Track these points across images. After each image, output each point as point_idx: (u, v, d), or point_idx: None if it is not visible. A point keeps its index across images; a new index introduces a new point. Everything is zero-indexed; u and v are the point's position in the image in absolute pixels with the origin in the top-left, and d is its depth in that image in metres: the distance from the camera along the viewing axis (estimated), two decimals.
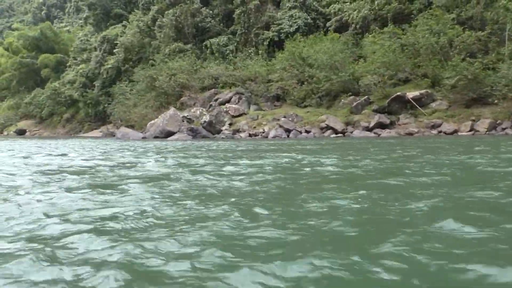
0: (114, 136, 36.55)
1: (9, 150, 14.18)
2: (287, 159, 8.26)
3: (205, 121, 25.19)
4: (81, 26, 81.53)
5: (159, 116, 27.83)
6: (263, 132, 23.57)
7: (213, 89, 30.90)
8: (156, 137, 26.07)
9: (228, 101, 28.71)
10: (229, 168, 6.89)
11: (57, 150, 13.93)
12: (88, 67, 49.90)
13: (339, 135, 21.59)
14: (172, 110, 27.26)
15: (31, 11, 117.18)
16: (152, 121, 27.99)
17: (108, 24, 57.08)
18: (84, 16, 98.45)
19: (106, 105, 46.29)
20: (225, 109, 26.71)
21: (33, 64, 61.91)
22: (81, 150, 13.39)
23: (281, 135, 22.45)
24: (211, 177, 5.71)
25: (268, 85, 28.49)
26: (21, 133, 54.08)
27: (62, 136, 46.19)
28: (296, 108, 26.26)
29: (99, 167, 7.51)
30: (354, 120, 22.19)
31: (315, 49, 26.16)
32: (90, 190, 4.71)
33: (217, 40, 35.30)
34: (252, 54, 32.94)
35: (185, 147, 14.92)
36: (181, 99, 31.73)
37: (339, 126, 21.92)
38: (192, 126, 25.15)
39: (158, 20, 38.95)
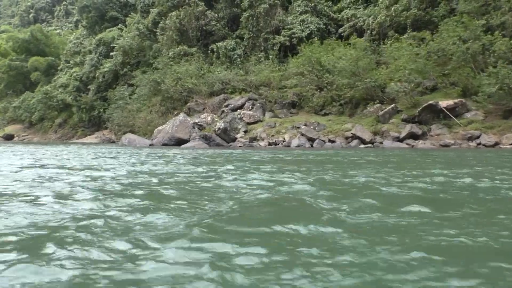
0: (113, 142, 34.37)
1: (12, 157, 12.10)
2: (368, 177, 6.50)
3: (219, 128, 23.29)
4: (71, 29, 79.19)
5: (167, 122, 25.85)
6: (284, 141, 21.81)
7: (222, 95, 29.06)
8: (165, 145, 24.08)
9: (240, 107, 26.91)
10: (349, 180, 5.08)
11: (70, 159, 11.89)
12: (82, 71, 47.50)
13: (368, 145, 19.96)
14: (181, 116, 25.32)
15: (19, 14, 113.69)
16: (160, 127, 25.99)
17: (103, 27, 54.81)
18: (75, 19, 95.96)
19: (101, 110, 43.99)
20: (239, 116, 24.86)
21: (23, 67, 59.14)
22: (100, 161, 11.40)
23: (304, 144, 20.72)
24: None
25: (282, 91, 26.81)
26: (8, 138, 51.25)
27: (54, 141, 43.57)
28: (315, 115, 24.60)
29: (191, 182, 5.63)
30: (383, 130, 20.60)
31: (335, 55, 24.62)
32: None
33: (224, 44, 33.52)
34: (262, 59, 31.24)
35: (222, 155, 13.04)
36: (188, 104, 29.79)
37: (367, 136, 20.29)
38: (206, 133, 23.23)
39: (161, 22, 36.97)
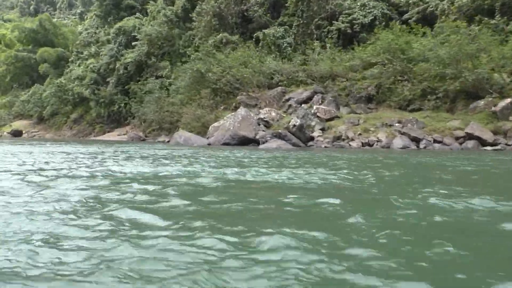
0: (143, 140, 30.17)
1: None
2: None
3: (294, 125, 19.25)
4: (76, 21, 74.16)
5: (225, 118, 21.75)
6: (379, 141, 17.88)
7: (279, 87, 25.01)
8: (226, 144, 20.01)
9: (306, 101, 22.92)
10: None
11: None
12: (100, 62, 43.03)
13: (489, 147, 16.14)
14: (243, 111, 21.22)
15: (18, 5, 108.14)
16: (215, 124, 21.88)
17: (118, 16, 50.28)
18: (79, 11, 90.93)
19: (122, 104, 39.67)
20: (312, 111, 20.86)
21: (30, 58, 54.41)
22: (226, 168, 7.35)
23: (409, 146, 16.83)
24: None
25: (355, 84, 22.87)
26: (17, 134, 46.52)
27: (71, 139, 39.14)
28: (400, 111, 20.70)
29: None
30: (506, 129, 16.78)
31: (423, 42, 20.78)
32: None
33: (272, 31, 29.42)
34: (318, 48, 27.21)
35: (337, 159, 9.09)
36: (238, 98, 25.67)
37: (488, 136, 16.45)
38: (280, 131, 19.18)
39: (197, 7, 32.74)
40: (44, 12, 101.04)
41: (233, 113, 21.59)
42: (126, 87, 39.58)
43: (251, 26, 33.36)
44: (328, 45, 26.88)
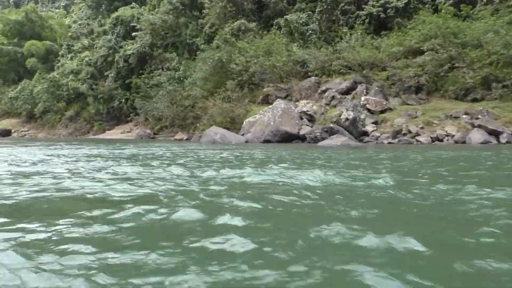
0: (153, 138, 27.28)
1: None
2: None
3: (347, 119, 16.77)
4: (61, 13, 69.70)
5: (261, 112, 19.10)
6: (449, 135, 15.56)
7: (313, 77, 22.46)
8: (267, 141, 17.41)
9: (346, 92, 20.47)
10: None
11: None
12: (96, 55, 39.59)
13: None
14: (283, 103, 18.63)
15: None
16: (250, 119, 19.21)
17: (112, 6, 46.78)
18: (64, 3, 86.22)
19: (122, 100, 36.46)
20: (361, 103, 18.38)
21: (16, 52, 50.27)
22: None
23: (489, 140, 14.56)
24: None
25: (397, 72, 20.49)
26: (5, 134, 42.76)
27: (67, 138, 35.77)
28: (457, 101, 18.44)
29: None
30: None
31: (480, 25, 18.55)
32: None
33: (295, 17, 26.80)
34: (348, 34, 24.74)
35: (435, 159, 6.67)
36: (265, 89, 23.02)
37: None
38: (331, 125, 16.66)
39: None
40: (26, 5, 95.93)
41: (269, 106, 18.96)
42: (127, 81, 36.37)
43: (266, 13, 30.71)
44: (358, 31, 24.41)
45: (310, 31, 26.36)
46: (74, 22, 53.53)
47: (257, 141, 17.73)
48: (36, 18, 52.55)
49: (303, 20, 26.54)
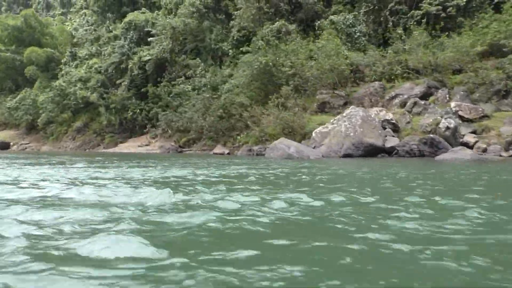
0: (180, 152, 24.14)
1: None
2: None
3: (447, 127, 13.97)
4: (60, 19, 66.13)
5: (333, 121, 16.16)
6: None
7: (376, 82, 19.68)
8: (347, 155, 14.47)
9: (422, 98, 17.73)
10: None
11: None
12: (108, 62, 36.29)
13: None
14: (361, 111, 15.73)
15: None
16: (320, 129, 16.22)
17: (120, 12, 43.62)
18: (60, 11, 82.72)
19: (137, 110, 33.16)
20: (452, 110, 15.59)
21: (14, 60, 46.54)
22: None
23: None
24: None
25: (473, 75, 17.86)
26: (4, 147, 38.86)
27: (74, 151, 32.21)
28: None
29: None
30: None
31: None
32: None
33: (341, 18, 24.14)
34: (403, 36, 22.17)
35: None
36: (319, 96, 20.13)
37: None
38: (432, 136, 13.80)
39: None
40: (17, 13, 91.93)
41: (343, 115, 16.03)
42: (142, 90, 33.13)
43: (299, 15, 28.03)
44: (416, 32, 21.80)
45: (358, 33, 23.69)
46: (75, 29, 50.18)
47: (335, 155, 14.77)
48: (36, 24, 48.98)
49: (350, 22, 23.87)
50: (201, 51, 31.40)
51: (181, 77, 29.75)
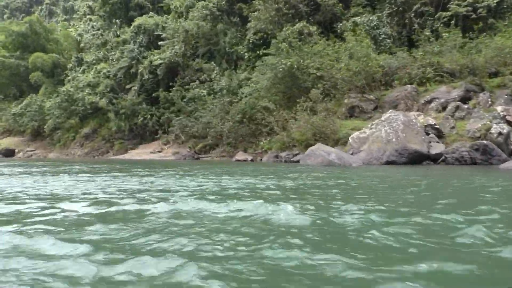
0: (197, 159, 23.10)
1: None
2: None
3: (500, 133, 12.95)
4: (64, 24, 65.27)
5: (370, 126, 15.11)
6: None
7: (408, 86, 18.66)
8: (391, 162, 13.43)
9: (460, 101, 16.71)
10: None
11: None
12: (117, 66, 35.28)
13: None
14: (401, 115, 14.70)
15: None
16: (360, 134, 15.16)
17: (126, 16, 42.68)
18: (62, 18, 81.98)
19: (147, 116, 32.09)
20: (500, 114, 14.57)
21: (19, 66, 45.45)
22: None
23: None
24: None
25: None
26: (9, 154, 37.78)
27: (82, 158, 31.06)
28: None
29: None
30: None
31: None
32: None
33: (365, 19, 23.20)
34: (431, 38, 21.23)
35: None
36: (347, 100, 19.09)
37: None
38: (485, 142, 12.76)
39: None
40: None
41: (381, 119, 14.99)
42: (153, 95, 32.08)
43: (317, 18, 27.07)
44: (445, 34, 20.85)
45: (383, 35, 22.74)
46: (80, 35, 49.23)
47: (376, 162, 13.70)
48: (41, 30, 48.00)
49: (374, 23, 22.93)
50: (214, 55, 30.41)
51: (194, 81, 28.73)
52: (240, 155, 20.23)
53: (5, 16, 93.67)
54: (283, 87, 20.29)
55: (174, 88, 29.93)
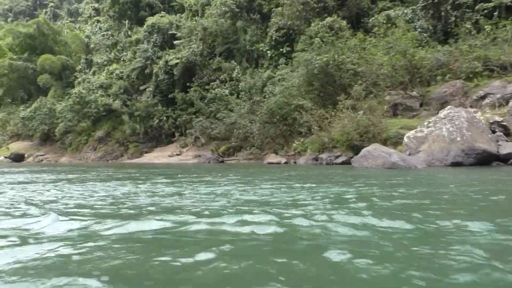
0: (222, 162, 21.71)
1: None
2: None
3: None
4: (70, 26, 64.13)
5: (427, 124, 13.68)
6: None
7: (457, 81, 17.24)
8: (456, 164, 12.00)
9: None
10: None
11: None
12: (129, 67, 33.95)
13: None
14: (463, 111, 13.28)
15: None
16: (416, 133, 13.73)
17: (137, 16, 41.38)
18: (68, 21, 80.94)
19: (163, 118, 30.75)
20: None
21: (27, 68, 44.19)
22: None
23: None
24: None
25: None
26: (18, 159, 36.43)
27: (98, 163, 29.65)
28: None
29: None
30: None
31: None
32: None
33: (400, 12, 21.82)
34: (472, 31, 19.82)
35: None
36: (388, 98, 17.68)
37: None
38: None
39: None
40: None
41: (439, 117, 13.55)
42: (169, 96, 30.74)
43: (342, 13, 25.72)
44: (487, 27, 19.46)
45: (419, 29, 21.34)
46: (87, 37, 47.99)
47: (439, 163, 12.26)
48: (49, 31, 46.76)
49: (409, 17, 21.54)
50: (234, 53, 29.05)
51: (214, 80, 27.35)
52: (272, 158, 18.80)
53: (9, 20, 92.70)
54: (318, 84, 18.86)
55: (191, 89, 28.59)
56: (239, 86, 25.09)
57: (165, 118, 30.85)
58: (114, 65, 35.94)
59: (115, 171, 13.79)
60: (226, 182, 7.73)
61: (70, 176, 10.75)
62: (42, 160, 35.87)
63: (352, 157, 16.01)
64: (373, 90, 17.88)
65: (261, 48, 26.68)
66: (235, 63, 27.36)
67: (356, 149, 16.40)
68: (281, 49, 25.84)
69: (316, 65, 18.08)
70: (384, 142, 14.96)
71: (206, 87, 27.24)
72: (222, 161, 22.53)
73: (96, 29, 47.64)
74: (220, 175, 10.11)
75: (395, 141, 14.80)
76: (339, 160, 15.55)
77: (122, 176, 10.46)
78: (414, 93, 17.67)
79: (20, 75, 44.54)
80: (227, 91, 25.37)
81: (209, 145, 26.12)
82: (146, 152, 31.10)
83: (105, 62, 37.92)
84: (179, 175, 11.20)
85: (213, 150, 24.63)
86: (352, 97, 16.70)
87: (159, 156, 28.44)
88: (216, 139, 25.39)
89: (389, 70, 17.07)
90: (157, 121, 30.90)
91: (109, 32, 41.41)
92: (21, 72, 44.31)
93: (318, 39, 19.52)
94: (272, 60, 26.61)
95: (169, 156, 27.69)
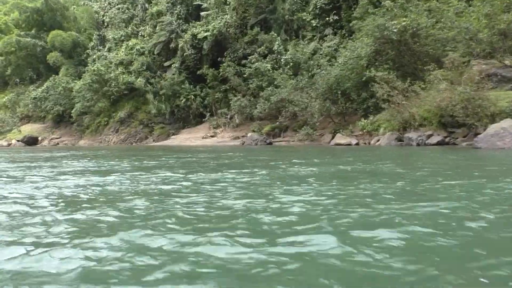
0: (269, 143, 19.27)
1: None
2: None
3: None
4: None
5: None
6: None
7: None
8: None
9: None
10: None
11: None
12: (151, 42, 31.09)
13: None
14: None
15: None
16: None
17: None
18: None
19: (191, 97, 28.14)
20: None
21: (35, 45, 41.13)
22: None
23: None
24: None
25: None
26: (32, 142, 33.85)
27: (121, 146, 27.16)
28: None
29: None
30: None
31: None
32: None
33: None
34: None
35: None
36: (478, 67, 15.08)
37: None
38: None
39: None
40: None
41: None
42: (197, 72, 28.04)
43: None
44: None
45: None
46: (96, 12, 44.83)
47: None
48: (57, 6, 43.48)
49: None
50: (270, 24, 26.23)
51: (251, 54, 24.63)
52: (341, 138, 16.32)
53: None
54: (392, 54, 16.23)
55: (223, 64, 25.87)
56: (282, 60, 22.43)
57: (192, 97, 28.24)
58: (134, 40, 33.03)
59: (188, 157, 11.29)
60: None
61: (148, 163, 8.21)
62: (58, 144, 33.34)
63: (446, 137, 13.62)
64: (463, 59, 15.27)
65: (304, 18, 23.89)
66: (275, 34, 24.56)
67: (450, 127, 13.98)
68: (327, 18, 23.08)
69: (395, 29, 15.40)
70: (493, 119, 12.48)
71: (243, 61, 24.52)
72: (270, 143, 20.05)
73: (105, 4, 44.41)
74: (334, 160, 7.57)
75: (505, 116, 12.32)
76: (433, 140, 13.12)
77: (218, 164, 7.90)
78: (507, 62, 15.10)
79: (28, 52, 41.55)
80: (268, 65, 22.70)
81: (245, 126, 23.65)
82: (173, 134, 28.59)
83: (122, 38, 34.97)
84: (256, 160, 8.76)
85: (255, 131, 22.12)
86: (446, 67, 14.09)
87: (191, 138, 25.95)
88: (253, 119, 22.92)
89: (488, 34, 14.40)
90: (184, 100, 28.29)
91: (125, 6, 38.24)
92: (30, 49, 41.31)
93: (388, 1, 16.75)
94: (315, 31, 23.88)
95: (203, 137, 25.20)
